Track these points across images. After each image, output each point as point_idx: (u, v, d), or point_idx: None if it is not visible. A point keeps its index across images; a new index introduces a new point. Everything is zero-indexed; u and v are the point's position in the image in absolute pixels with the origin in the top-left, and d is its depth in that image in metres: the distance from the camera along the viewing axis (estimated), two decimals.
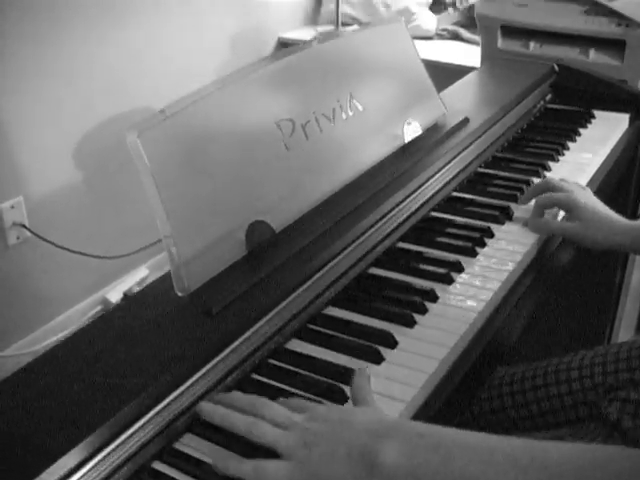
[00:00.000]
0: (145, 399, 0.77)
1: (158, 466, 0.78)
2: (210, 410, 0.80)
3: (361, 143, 1.21)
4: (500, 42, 1.96)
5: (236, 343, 0.87)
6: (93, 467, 0.71)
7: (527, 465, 0.61)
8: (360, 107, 1.22)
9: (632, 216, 1.68)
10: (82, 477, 0.70)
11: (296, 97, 1.12)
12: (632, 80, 1.76)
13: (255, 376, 0.89)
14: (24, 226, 2.24)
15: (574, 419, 1.13)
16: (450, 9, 3.06)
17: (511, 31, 1.94)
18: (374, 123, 1.25)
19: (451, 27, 3.02)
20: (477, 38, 2.44)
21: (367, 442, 0.67)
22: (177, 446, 0.80)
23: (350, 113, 1.20)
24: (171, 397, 0.79)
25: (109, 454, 0.73)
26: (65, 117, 2.31)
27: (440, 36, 3.04)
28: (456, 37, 3.00)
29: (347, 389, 0.84)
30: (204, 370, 0.83)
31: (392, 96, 1.30)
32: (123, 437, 0.75)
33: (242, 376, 0.88)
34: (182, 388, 0.81)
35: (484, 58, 1.99)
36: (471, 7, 2.97)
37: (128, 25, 2.39)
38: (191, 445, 0.80)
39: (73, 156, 2.37)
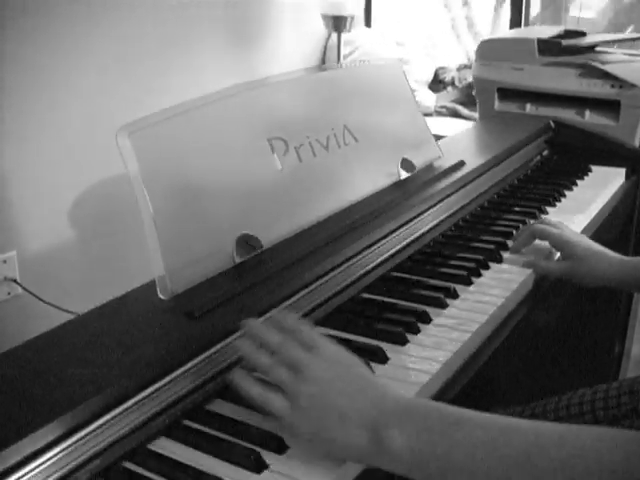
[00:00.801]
0: (114, 393, 0.73)
1: (129, 465, 0.74)
2: (240, 384, 0.76)
3: (355, 174, 1.20)
4: (497, 104, 1.98)
5: (218, 346, 0.84)
6: (49, 458, 0.67)
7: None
8: (354, 139, 1.22)
9: None
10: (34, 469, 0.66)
11: (292, 119, 1.12)
12: (627, 139, 1.77)
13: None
14: (15, 281, 2.21)
15: None
16: (449, 87, 3.12)
17: (507, 93, 1.97)
18: (368, 156, 1.24)
19: (450, 104, 3.07)
20: (475, 115, 2.48)
21: (375, 430, 0.67)
22: (151, 447, 0.76)
23: (344, 143, 1.20)
24: (144, 394, 0.75)
25: (72, 444, 0.69)
26: (63, 174, 2.31)
27: (439, 113, 3.09)
28: (454, 114, 3.04)
29: None
30: (181, 370, 0.79)
31: (387, 132, 1.30)
32: (91, 427, 0.70)
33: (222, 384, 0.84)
34: (156, 386, 0.77)
35: (481, 119, 2.01)
36: (470, 85, 3.02)
37: (129, 79, 2.42)
38: (166, 448, 0.76)
39: (69, 214, 2.36)
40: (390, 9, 3.26)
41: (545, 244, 1.20)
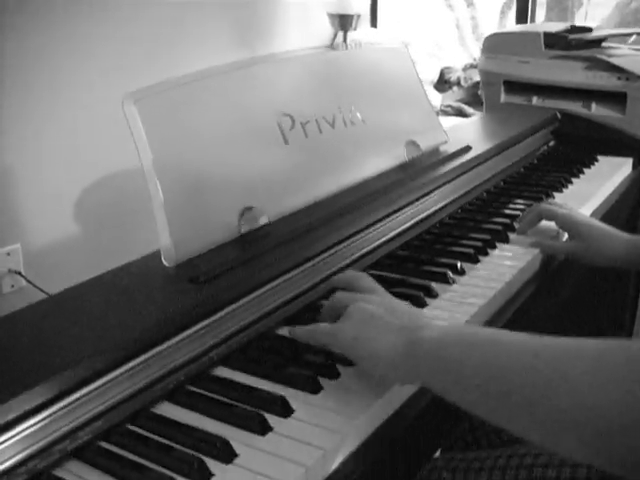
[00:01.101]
0: (114, 354, 0.72)
1: (132, 428, 0.73)
2: (298, 334, 0.82)
3: (360, 153, 1.20)
4: (503, 97, 1.97)
5: (222, 312, 0.83)
6: (52, 414, 0.67)
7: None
8: (361, 118, 1.21)
9: None
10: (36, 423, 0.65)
11: (299, 96, 1.12)
12: (634, 131, 1.76)
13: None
14: (20, 274, 2.20)
15: None
16: (455, 87, 3.11)
17: (513, 86, 1.96)
18: (374, 136, 1.24)
19: (455, 104, 3.07)
20: (480, 114, 2.48)
21: (411, 335, 0.73)
22: (154, 411, 0.75)
23: (350, 122, 1.19)
24: (146, 356, 0.75)
25: (76, 400, 0.68)
26: (68, 167, 2.31)
27: (444, 112, 3.09)
28: (460, 113, 3.04)
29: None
30: (184, 334, 0.79)
31: (393, 114, 1.30)
32: (92, 387, 0.70)
33: (226, 352, 0.84)
34: (158, 349, 0.76)
35: (487, 111, 2.00)
36: (475, 85, 3.02)
37: (135, 76, 2.42)
38: (169, 412, 0.75)
39: (74, 207, 2.36)
40: (396, 9, 3.27)
41: (552, 225, 1.19)
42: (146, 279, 0.87)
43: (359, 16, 2.91)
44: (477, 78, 2.98)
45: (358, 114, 1.21)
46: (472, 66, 3.15)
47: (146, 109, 0.89)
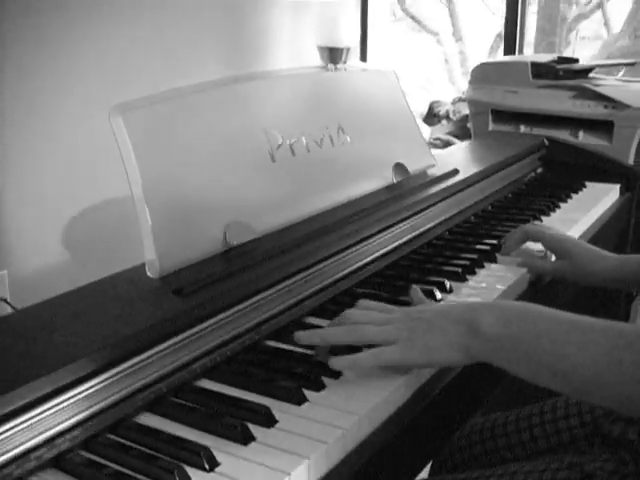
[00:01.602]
0: (92, 362, 0.70)
1: (112, 437, 0.71)
2: (306, 335, 0.82)
3: (347, 173, 1.20)
4: (491, 125, 1.99)
5: (205, 324, 0.82)
6: (31, 418, 0.65)
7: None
8: (348, 139, 1.22)
9: None
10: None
11: (287, 114, 1.12)
12: (621, 159, 1.77)
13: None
14: (5, 301, 2.18)
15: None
16: (444, 121, 3.14)
17: (501, 115, 1.98)
18: (362, 157, 1.24)
19: (444, 136, 3.09)
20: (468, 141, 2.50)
21: (470, 315, 0.77)
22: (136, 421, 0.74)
23: (338, 143, 1.19)
24: (126, 365, 0.73)
25: (54, 407, 0.67)
26: (57, 195, 2.31)
27: (433, 145, 3.10)
28: (448, 146, 3.06)
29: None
30: (167, 344, 0.78)
31: (381, 136, 1.30)
32: (68, 395, 0.68)
33: (210, 364, 0.83)
34: (139, 357, 0.75)
35: (476, 138, 2.01)
36: (464, 118, 3.04)
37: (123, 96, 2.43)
38: (151, 422, 0.74)
39: (62, 234, 2.35)
40: (386, 43, 3.30)
41: (538, 246, 1.19)
42: (130, 289, 0.86)
43: (349, 49, 2.94)
44: (466, 111, 3.01)
45: (346, 135, 1.21)
46: (461, 99, 3.18)
47: (133, 121, 0.89)
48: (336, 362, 0.79)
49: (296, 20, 3.13)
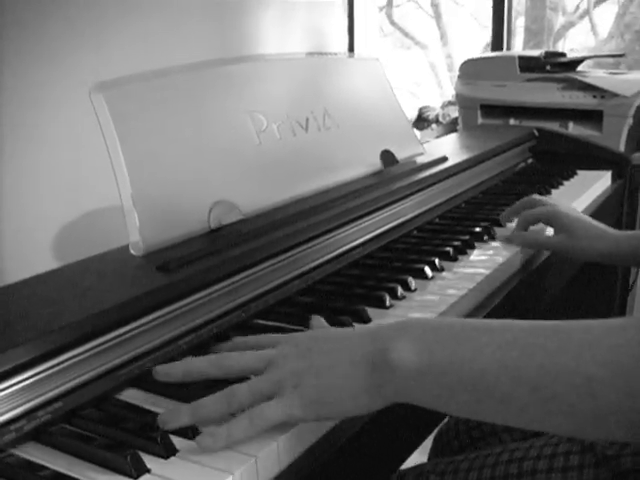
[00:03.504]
0: (72, 333, 0.68)
1: (94, 413, 0.69)
2: (166, 369, 0.69)
3: (334, 158, 1.18)
4: (480, 120, 1.98)
5: (190, 298, 0.80)
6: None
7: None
8: (336, 125, 1.20)
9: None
10: None
11: (273, 97, 1.11)
12: (612, 146, 1.76)
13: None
14: None
15: None
16: (433, 125, 3.13)
17: (490, 109, 1.97)
18: (349, 143, 1.22)
19: (433, 140, 3.08)
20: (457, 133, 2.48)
21: (376, 347, 0.60)
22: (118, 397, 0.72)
23: (325, 127, 1.18)
24: (107, 337, 0.71)
25: (36, 374, 0.65)
26: (47, 207, 2.29)
27: None
28: None
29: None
30: (150, 318, 0.76)
31: (368, 123, 1.29)
32: (44, 366, 0.66)
33: (198, 342, 0.81)
34: (121, 330, 0.73)
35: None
36: (453, 121, 3.04)
37: None
38: (134, 398, 0.72)
39: (51, 249, 2.33)
40: (373, 48, 3.31)
41: (538, 226, 1.18)
42: (113, 266, 0.84)
43: (337, 54, 2.94)
44: (455, 114, 3.00)
45: (332, 120, 1.20)
46: (450, 103, 3.17)
47: (115, 99, 0.88)
48: (205, 442, 0.60)
49: (284, 26, 3.13)
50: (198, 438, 0.60)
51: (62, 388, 0.67)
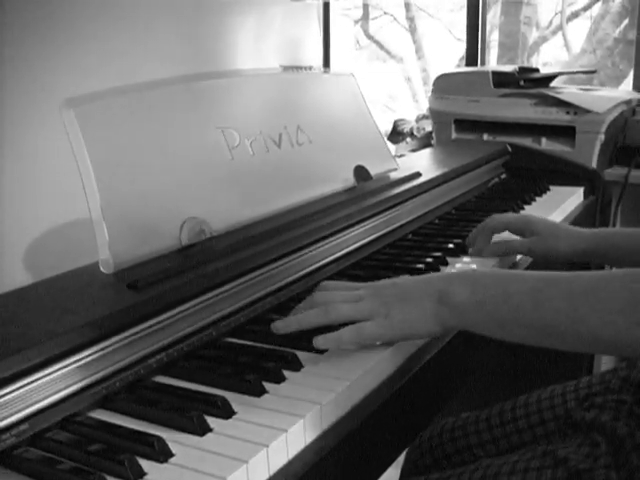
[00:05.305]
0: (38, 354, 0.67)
1: (60, 436, 0.68)
2: (283, 324, 0.82)
3: (307, 174, 1.18)
4: (454, 135, 1.99)
5: (161, 317, 0.79)
6: None
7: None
8: (309, 140, 1.20)
9: None
10: None
11: (245, 113, 1.11)
12: (584, 162, 1.78)
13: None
14: None
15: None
16: (408, 138, 3.14)
17: (464, 124, 1.98)
18: (322, 159, 1.22)
19: (408, 153, 3.09)
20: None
21: (441, 285, 0.80)
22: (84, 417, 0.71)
23: (297, 143, 1.18)
24: (74, 357, 0.70)
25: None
26: (16, 217, 2.26)
27: None
28: None
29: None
30: (120, 337, 0.75)
31: (341, 139, 1.29)
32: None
33: (167, 360, 0.80)
34: (91, 350, 0.72)
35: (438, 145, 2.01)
36: (428, 135, 3.05)
37: None
38: (104, 417, 0.71)
39: (23, 260, 2.30)
40: (348, 61, 3.32)
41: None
42: (83, 284, 0.83)
43: (311, 68, 2.94)
44: (429, 128, 3.02)
45: (305, 136, 1.20)
46: (424, 117, 3.19)
47: (85, 115, 0.87)
48: (320, 341, 0.79)
49: (259, 41, 3.13)
50: (316, 339, 0.79)
51: (28, 410, 0.66)
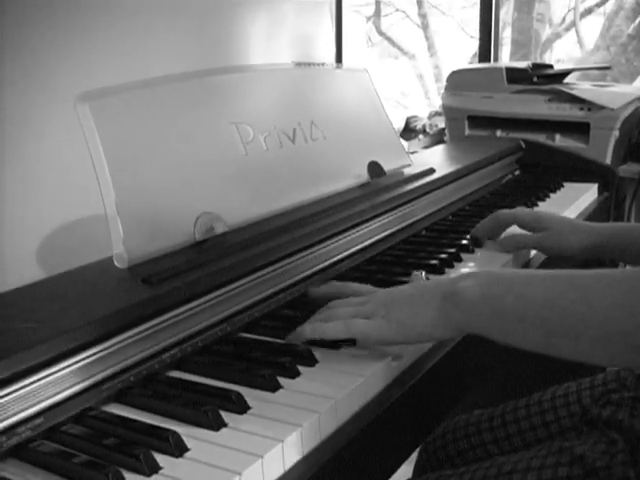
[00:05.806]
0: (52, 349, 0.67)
1: (74, 430, 0.68)
2: (298, 332, 0.82)
3: (321, 170, 1.18)
4: (467, 131, 1.98)
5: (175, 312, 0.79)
6: None
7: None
8: (322, 136, 1.20)
9: None
10: None
11: (259, 108, 1.11)
12: (598, 159, 1.77)
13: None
14: None
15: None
16: (420, 135, 3.13)
17: (477, 120, 1.97)
18: (335, 155, 1.22)
19: (420, 150, 3.08)
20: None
21: (449, 286, 0.76)
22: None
23: (311, 139, 1.17)
24: (89, 352, 0.70)
25: (16, 390, 0.64)
26: (25, 213, 2.27)
27: None
28: None
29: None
30: (134, 332, 0.75)
31: (355, 134, 1.28)
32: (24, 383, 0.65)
33: (182, 355, 0.80)
34: (104, 345, 0.72)
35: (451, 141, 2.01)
36: (440, 131, 3.04)
37: None
38: (118, 412, 0.71)
39: (35, 256, 2.31)
40: (360, 58, 3.31)
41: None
42: (96, 279, 0.83)
43: (324, 65, 2.94)
44: (442, 125, 3.01)
45: (319, 131, 1.20)
46: (437, 113, 3.18)
47: (100, 109, 0.87)
48: (307, 330, 0.80)
49: (271, 39, 3.13)
50: (299, 329, 0.81)
51: (43, 404, 0.66)
